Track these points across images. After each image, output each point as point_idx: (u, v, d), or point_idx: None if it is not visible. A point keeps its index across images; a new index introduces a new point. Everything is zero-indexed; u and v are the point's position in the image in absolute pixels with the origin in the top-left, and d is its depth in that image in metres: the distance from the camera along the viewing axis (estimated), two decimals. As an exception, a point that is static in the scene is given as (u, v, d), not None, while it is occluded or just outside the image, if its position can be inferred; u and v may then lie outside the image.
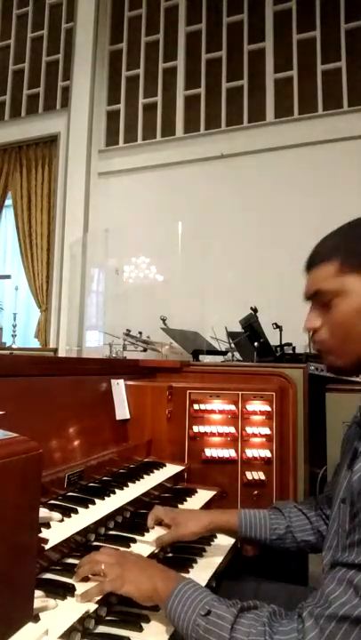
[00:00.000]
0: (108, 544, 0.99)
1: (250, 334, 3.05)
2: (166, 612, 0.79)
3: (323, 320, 0.89)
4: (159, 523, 1.12)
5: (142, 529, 1.09)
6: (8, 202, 6.36)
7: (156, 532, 1.09)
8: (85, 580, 0.85)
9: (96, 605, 0.80)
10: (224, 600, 0.78)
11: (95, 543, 1.00)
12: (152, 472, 1.38)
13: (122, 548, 0.98)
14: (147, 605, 0.84)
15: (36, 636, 0.61)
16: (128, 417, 1.57)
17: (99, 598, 0.81)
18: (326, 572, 0.76)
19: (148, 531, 1.09)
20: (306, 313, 0.93)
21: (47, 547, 0.83)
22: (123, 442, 1.52)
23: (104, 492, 1.13)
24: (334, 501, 0.93)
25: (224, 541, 1.19)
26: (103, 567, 0.84)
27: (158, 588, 0.81)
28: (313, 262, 0.91)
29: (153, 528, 1.10)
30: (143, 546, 1.02)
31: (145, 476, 1.33)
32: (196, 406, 1.59)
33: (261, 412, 1.57)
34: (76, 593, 0.80)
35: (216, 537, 1.20)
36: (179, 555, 1.10)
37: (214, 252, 4.85)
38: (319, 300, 0.89)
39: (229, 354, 3.36)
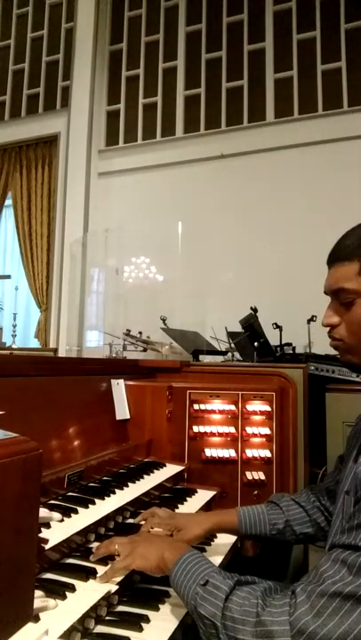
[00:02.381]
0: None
1: (250, 334, 3.05)
2: (170, 582, 0.84)
3: (342, 317, 0.90)
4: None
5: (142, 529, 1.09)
6: (8, 202, 6.35)
7: (156, 532, 1.09)
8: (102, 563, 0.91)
9: (96, 602, 0.80)
10: (224, 572, 0.81)
11: (95, 543, 1.00)
12: (152, 472, 1.38)
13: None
14: (156, 576, 0.89)
15: (36, 636, 0.61)
16: (128, 417, 1.57)
17: (102, 596, 0.82)
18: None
19: (148, 531, 1.09)
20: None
21: (47, 547, 0.84)
22: (123, 442, 1.52)
23: (104, 492, 1.13)
24: (339, 495, 0.93)
25: (224, 541, 1.19)
26: (117, 547, 0.90)
27: (165, 557, 0.86)
28: (336, 258, 0.91)
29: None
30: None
31: (145, 476, 1.33)
32: (196, 406, 1.59)
33: (261, 412, 1.57)
34: (97, 576, 0.87)
35: (216, 537, 1.20)
36: (179, 555, 1.10)
37: (214, 251, 4.85)
38: (340, 297, 0.90)
39: (229, 354, 3.36)
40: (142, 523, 1.10)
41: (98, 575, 0.87)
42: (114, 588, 0.86)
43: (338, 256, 0.90)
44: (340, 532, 0.77)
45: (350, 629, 0.65)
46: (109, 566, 0.88)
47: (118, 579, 0.87)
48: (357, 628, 0.64)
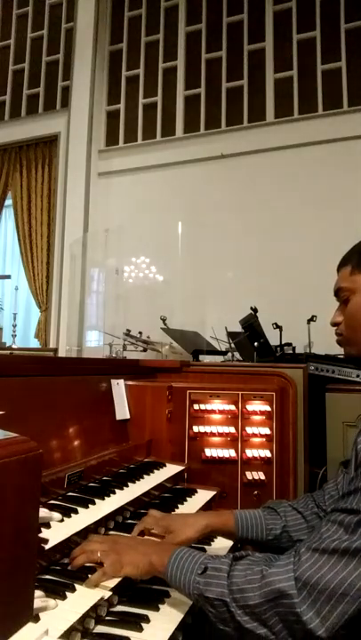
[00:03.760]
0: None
1: (250, 334, 3.05)
2: (168, 581, 0.86)
3: (343, 315, 1.03)
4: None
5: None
6: (8, 202, 6.35)
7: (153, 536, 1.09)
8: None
9: (96, 602, 0.80)
10: (218, 556, 0.85)
11: (95, 543, 1.00)
12: (152, 472, 1.38)
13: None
14: (145, 579, 0.89)
15: (36, 636, 0.62)
16: (128, 417, 1.57)
17: (102, 596, 0.82)
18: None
19: (142, 534, 1.09)
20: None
21: (47, 547, 0.84)
22: (123, 442, 1.52)
23: (104, 492, 1.13)
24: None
25: (224, 542, 1.19)
26: (99, 555, 0.88)
27: (154, 561, 0.88)
28: (339, 265, 1.06)
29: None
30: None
31: (145, 476, 1.33)
32: (196, 406, 1.59)
33: (261, 412, 1.57)
34: (85, 583, 0.84)
35: (216, 537, 1.20)
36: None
37: (214, 252, 4.85)
38: (340, 296, 1.04)
39: (229, 354, 3.35)
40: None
41: (85, 581, 0.84)
42: (114, 583, 0.85)
43: (340, 264, 1.06)
44: (340, 497, 0.84)
45: (346, 579, 0.73)
46: (96, 574, 0.86)
47: (117, 581, 0.86)
48: (351, 577, 0.72)
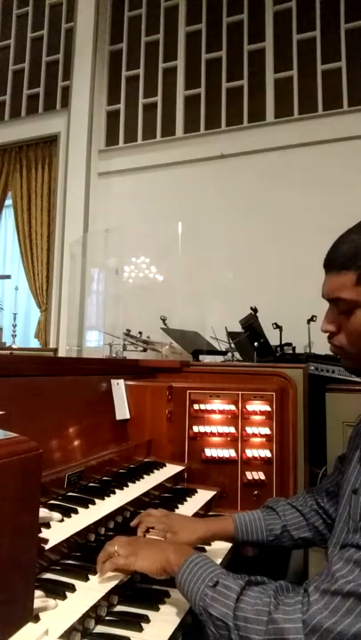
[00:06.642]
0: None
1: (250, 334, 3.05)
2: (177, 584, 0.83)
3: (341, 325, 0.90)
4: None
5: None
6: (8, 202, 6.35)
7: (155, 533, 1.08)
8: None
9: (96, 602, 0.80)
10: (233, 574, 0.81)
11: (95, 543, 1.00)
12: (152, 472, 1.38)
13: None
14: (159, 578, 0.88)
15: (36, 636, 0.61)
16: (128, 417, 1.57)
17: (102, 596, 0.82)
18: (336, 552, 0.77)
19: (148, 531, 1.09)
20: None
21: (47, 547, 0.83)
22: (123, 442, 1.52)
23: (104, 492, 1.13)
24: (342, 494, 0.94)
25: (222, 543, 1.18)
26: (116, 548, 0.88)
27: (170, 560, 0.86)
28: (333, 265, 0.89)
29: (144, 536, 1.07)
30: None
31: (145, 476, 1.33)
32: (196, 406, 1.59)
33: (261, 412, 1.57)
34: (96, 576, 0.86)
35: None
36: (179, 555, 1.10)
37: (214, 252, 4.85)
38: (339, 306, 0.89)
39: (229, 354, 3.36)
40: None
41: (98, 575, 0.86)
42: (114, 583, 0.85)
43: (334, 264, 0.89)
44: (353, 531, 0.79)
45: None
46: (108, 562, 0.87)
47: (117, 581, 0.86)
48: None
